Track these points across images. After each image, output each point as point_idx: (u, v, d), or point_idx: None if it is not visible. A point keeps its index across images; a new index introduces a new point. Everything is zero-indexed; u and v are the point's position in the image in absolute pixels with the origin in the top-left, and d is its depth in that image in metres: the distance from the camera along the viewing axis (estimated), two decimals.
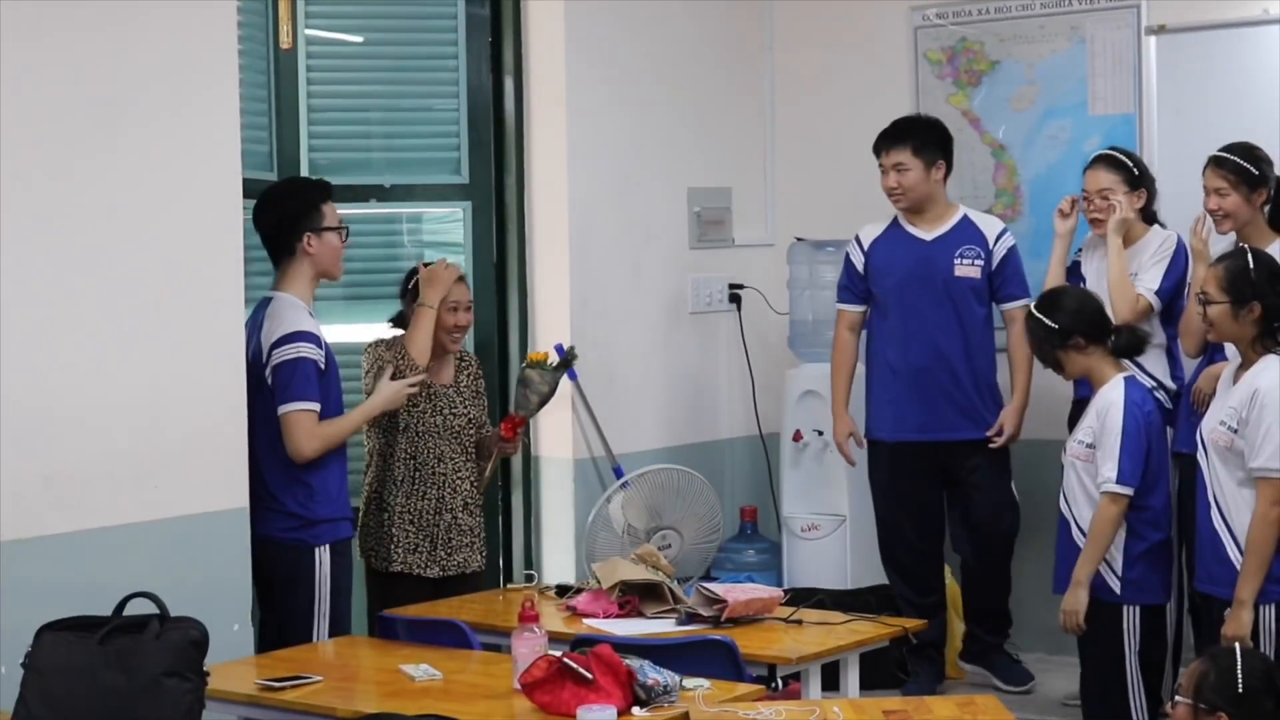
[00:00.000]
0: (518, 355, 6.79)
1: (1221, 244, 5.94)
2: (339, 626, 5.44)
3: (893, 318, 6.63)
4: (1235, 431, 5.06)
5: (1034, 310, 5.66)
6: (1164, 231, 6.30)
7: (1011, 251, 6.59)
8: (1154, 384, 6.01)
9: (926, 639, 6.49)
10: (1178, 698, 4.02)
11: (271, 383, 5.37)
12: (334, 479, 5.50)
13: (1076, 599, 5.44)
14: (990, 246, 6.57)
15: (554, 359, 6.29)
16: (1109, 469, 5.40)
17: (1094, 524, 5.42)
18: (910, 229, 6.65)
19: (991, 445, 6.55)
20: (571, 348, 6.32)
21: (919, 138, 6.59)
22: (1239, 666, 3.96)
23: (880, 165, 6.61)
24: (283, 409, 5.36)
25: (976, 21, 7.33)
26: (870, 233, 6.71)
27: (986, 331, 6.61)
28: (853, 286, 6.73)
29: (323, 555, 5.42)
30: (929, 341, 6.56)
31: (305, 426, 5.36)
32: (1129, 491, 5.39)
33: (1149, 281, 6.17)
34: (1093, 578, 5.43)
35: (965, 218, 6.64)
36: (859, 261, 6.70)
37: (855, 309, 6.74)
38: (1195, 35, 6.84)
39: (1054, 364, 5.65)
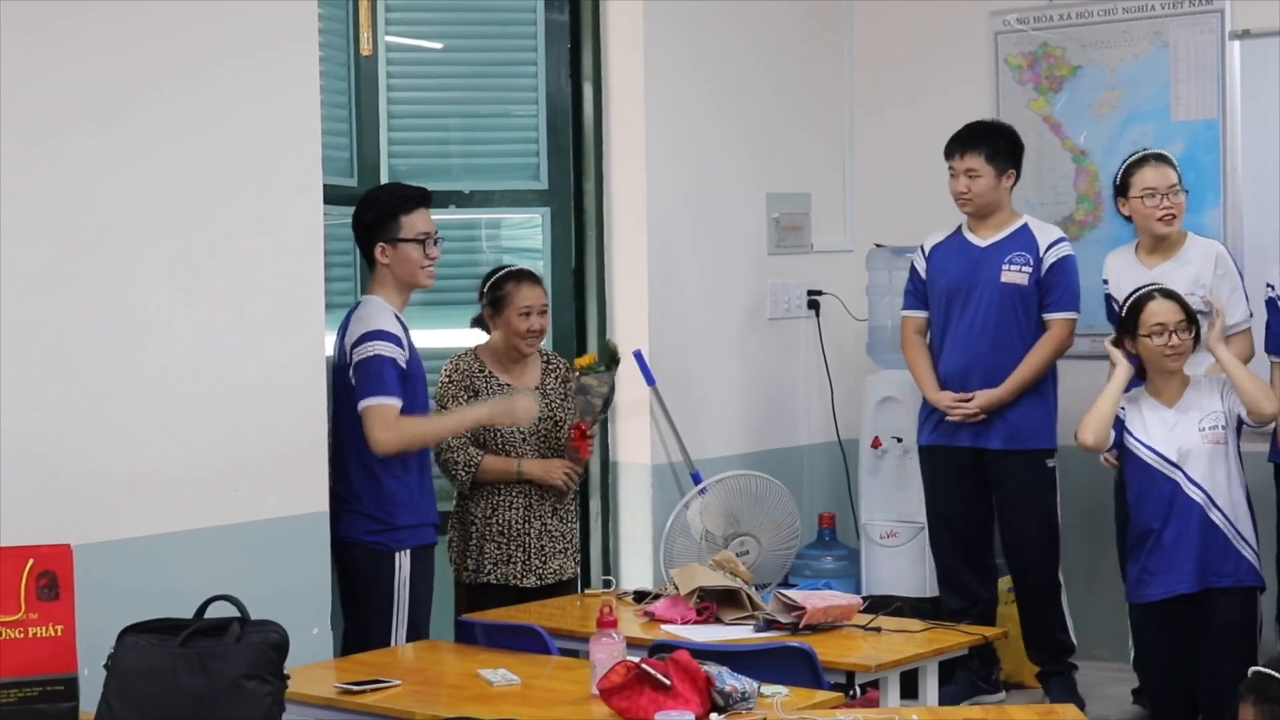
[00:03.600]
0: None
1: None
2: (417, 632, 5.44)
3: (942, 323, 6.58)
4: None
5: None
6: (1205, 243, 6.18)
7: (1063, 262, 6.45)
8: None
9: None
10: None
11: (354, 382, 5.40)
12: (415, 484, 5.50)
13: None
14: (1040, 254, 6.46)
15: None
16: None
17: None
18: (969, 236, 6.60)
19: (958, 410, 6.45)
20: (611, 343, 6.29)
21: (993, 145, 6.52)
22: None
23: (951, 169, 6.55)
24: (361, 404, 5.37)
25: (1058, 26, 7.28)
26: (934, 239, 6.68)
27: (1034, 340, 6.46)
28: (916, 292, 6.70)
29: (403, 560, 5.43)
30: (972, 348, 6.49)
31: (383, 418, 5.35)
32: None
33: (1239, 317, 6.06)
34: (1239, 570, 5.45)
35: (1025, 226, 6.55)
36: (921, 267, 6.67)
37: (920, 314, 6.68)
38: None
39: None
